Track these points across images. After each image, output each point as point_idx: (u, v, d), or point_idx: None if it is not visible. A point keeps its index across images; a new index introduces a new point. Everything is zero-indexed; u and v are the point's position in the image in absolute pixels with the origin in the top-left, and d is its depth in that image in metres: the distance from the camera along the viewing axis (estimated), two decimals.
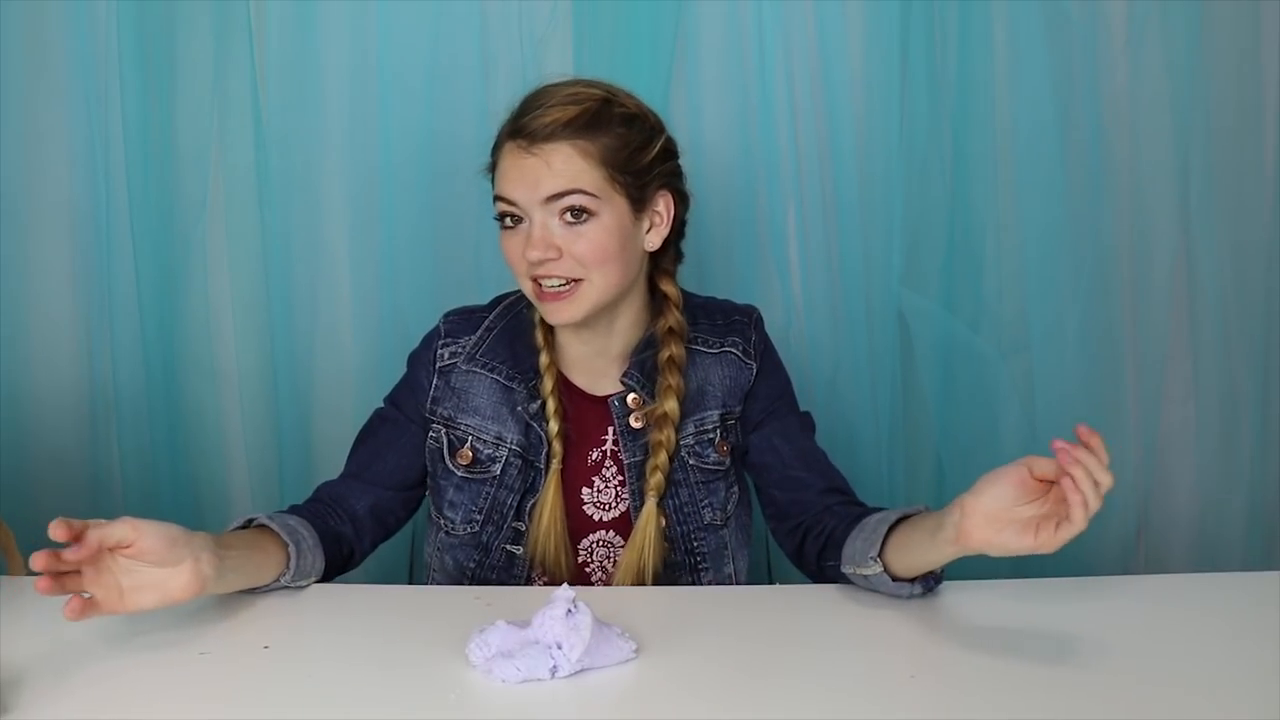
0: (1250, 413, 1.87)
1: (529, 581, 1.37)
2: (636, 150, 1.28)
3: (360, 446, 1.40)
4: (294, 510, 1.34)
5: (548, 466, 1.33)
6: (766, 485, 1.41)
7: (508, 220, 1.28)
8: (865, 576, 1.20)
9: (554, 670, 1.03)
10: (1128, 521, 1.89)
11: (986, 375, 1.85)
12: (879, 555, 1.18)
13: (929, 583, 1.20)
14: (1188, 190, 1.82)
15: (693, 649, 1.10)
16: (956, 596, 1.25)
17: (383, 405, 1.42)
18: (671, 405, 1.33)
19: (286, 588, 1.23)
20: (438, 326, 1.40)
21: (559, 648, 1.03)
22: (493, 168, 1.32)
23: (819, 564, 1.31)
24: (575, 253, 1.25)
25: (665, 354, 1.34)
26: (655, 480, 1.33)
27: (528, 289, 1.29)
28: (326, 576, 1.30)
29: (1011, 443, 1.86)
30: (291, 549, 1.22)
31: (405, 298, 1.79)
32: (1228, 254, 1.84)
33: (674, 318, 1.36)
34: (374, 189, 1.80)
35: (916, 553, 1.16)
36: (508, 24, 1.78)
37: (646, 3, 1.76)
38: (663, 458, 1.33)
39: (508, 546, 1.35)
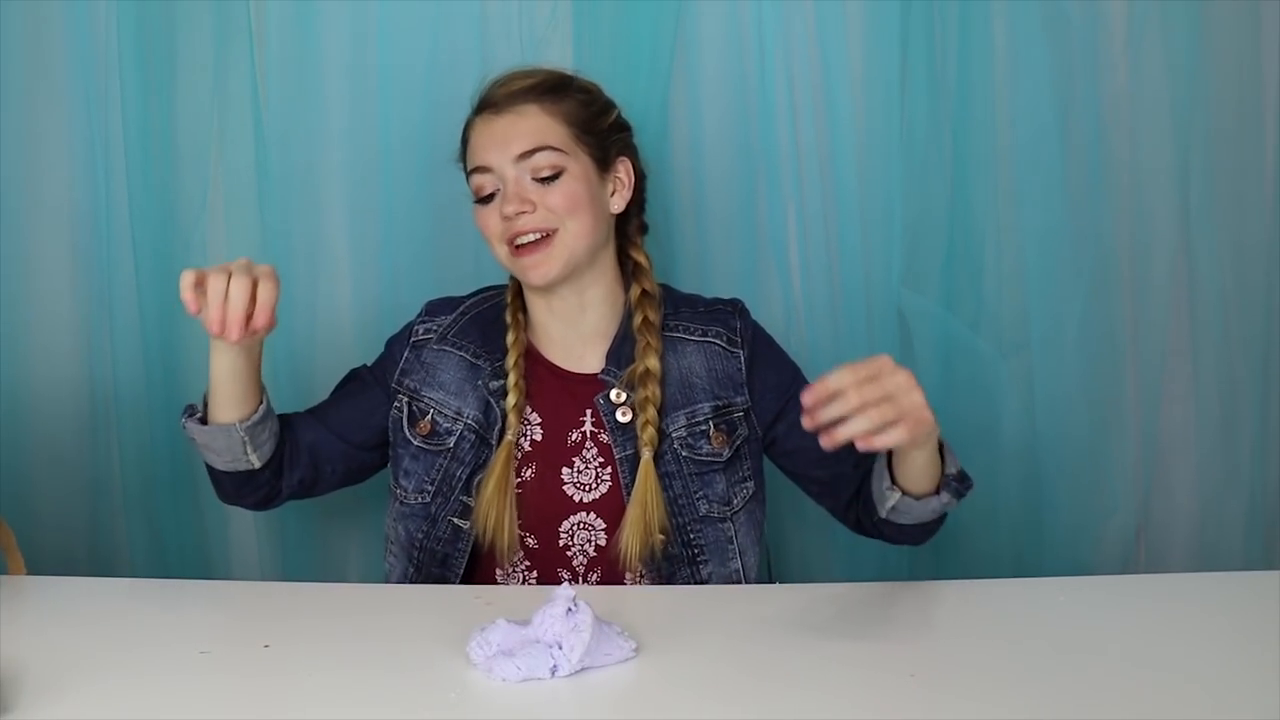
0: (1250, 413, 1.87)
1: (473, 555, 1.38)
2: (596, 115, 1.40)
3: (330, 395, 1.49)
4: None
5: (500, 439, 1.36)
6: (807, 467, 1.43)
7: (483, 194, 1.36)
8: (896, 509, 1.26)
9: (554, 669, 1.03)
10: (1128, 521, 1.89)
11: (986, 375, 1.84)
12: (893, 483, 1.24)
13: (952, 487, 1.24)
14: (1188, 190, 1.82)
15: (693, 648, 1.10)
16: (956, 596, 1.25)
17: (359, 366, 1.50)
18: (652, 362, 1.37)
19: (245, 457, 1.35)
20: (419, 311, 1.49)
21: (559, 647, 1.03)
22: (462, 154, 1.42)
23: (874, 526, 1.37)
24: (549, 204, 1.33)
25: (639, 319, 1.39)
26: (648, 435, 1.35)
27: (503, 254, 1.37)
28: (259, 491, 1.42)
29: (1011, 442, 1.86)
30: (266, 402, 1.35)
31: (405, 297, 1.78)
32: (1228, 254, 1.83)
33: (647, 282, 1.41)
34: (374, 189, 1.80)
35: (910, 468, 1.23)
36: (508, 24, 1.78)
37: (646, 3, 1.75)
38: (651, 412, 1.36)
39: (454, 519, 1.37)
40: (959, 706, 0.99)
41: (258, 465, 1.37)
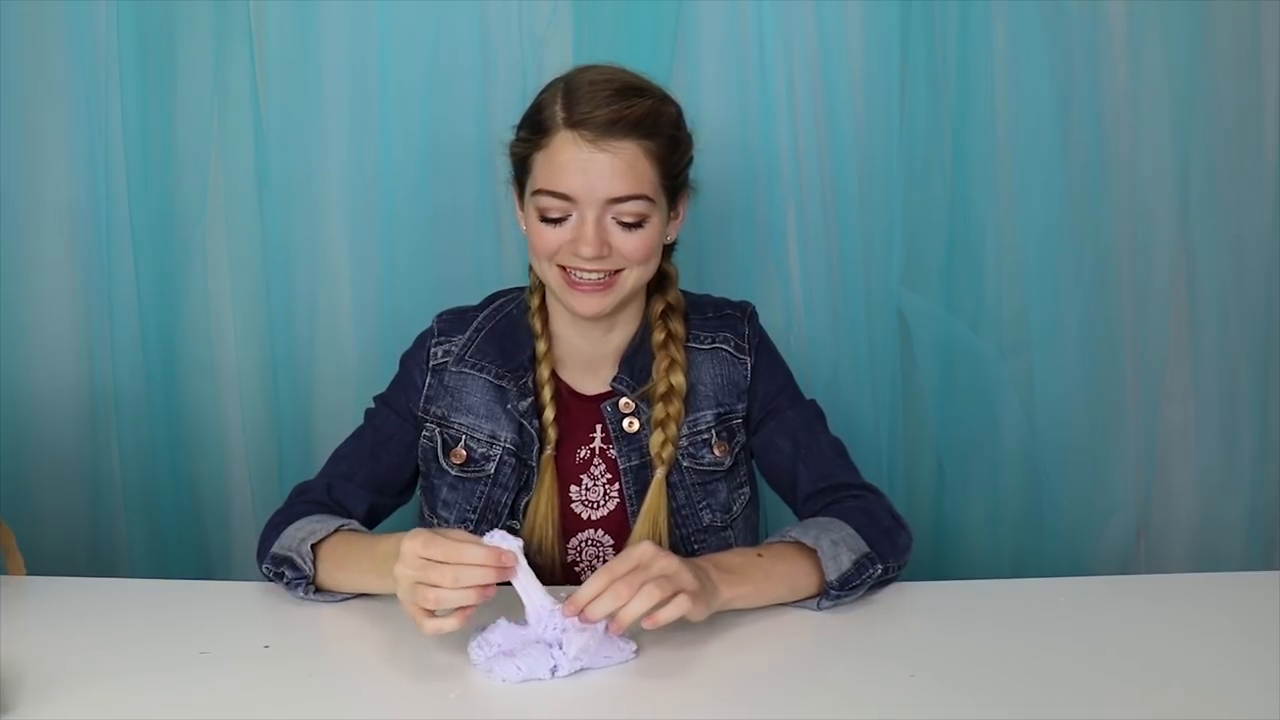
0: (1250, 413, 1.87)
1: None
2: (681, 153, 1.31)
3: (351, 449, 1.39)
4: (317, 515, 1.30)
5: (540, 460, 1.34)
6: (776, 487, 1.41)
7: (552, 214, 1.26)
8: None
9: (554, 669, 1.03)
10: (1128, 521, 1.89)
11: (986, 375, 1.85)
12: None
13: (832, 595, 1.18)
14: (1188, 190, 1.82)
15: (692, 649, 1.10)
16: (956, 596, 1.25)
17: (373, 405, 1.42)
18: (678, 379, 1.33)
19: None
20: (431, 326, 1.40)
21: (559, 647, 1.03)
22: (529, 151, 1.28)
23: None
24: (625, 251, 1.26)
25: (661, 335, 1.35)
26: (667, 453, 1.32)
27: (553, 276, 1.29)
28: None
29: (1011, 443, 1.86)
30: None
31: (405, 298, 1.79)
32: (1228, 254, 1.84)
33: (672, 294, 1.37)
34: (374, 189, 1.80)
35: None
36: (508, 24, 1.78)
37: (646, 2, 1.76)
38: (673, 430, 1.32)
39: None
40: (959, 706, 0.99)
41: None
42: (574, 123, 1.24)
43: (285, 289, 1.83)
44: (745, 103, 1.79)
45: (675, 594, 1.05)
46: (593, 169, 1.23)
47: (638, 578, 1.04)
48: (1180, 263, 1.85)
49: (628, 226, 1.25)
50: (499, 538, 1.05)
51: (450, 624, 1.04)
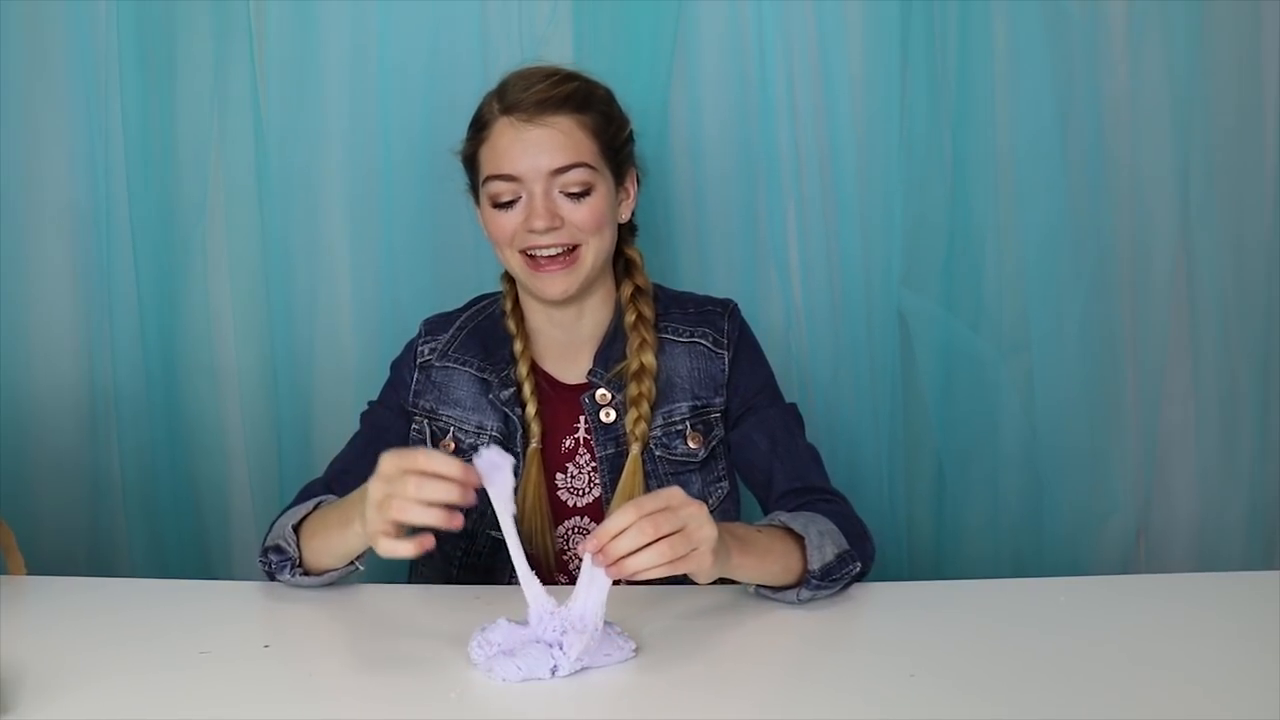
0: (1250, 413, 1.87)
1: (514, 569, 1.37)
2: (617, 128, 1.38)
3: (348, 449, 1.43)
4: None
5: (525, 448, 1.36)
6: (749, 484, 1.43)
7: (503, 201, 1.33)
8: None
9: (554, 669, 1.03)
10: (1128, 521, 1.89)
11: (986, 375, 1.84)
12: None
13: (812, 584, 1.18)
14: (1188, 190, 1.82)
15: (693, 649, 1.10)
16: (956, 596, 1.25)
17: (368, 407, 1.46)
18: (648, 358, 1.37)
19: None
20: (418, 331, 1.46)
21: (559, 647, 1.03)
22: (474, 149, 1.37)
23: None
24: (576, 221, 1.32)
25: (632, 316, 1.39)
26: (640, 430, 1.35)
27: (516, 263, 1.35)
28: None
29: (1011, 443, 1.86)
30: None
31: (405, 297, 1.79)
32: (1228, 254, 1.84)
33: (640, 278, 1.41)
34: (374, 189, 1.80)
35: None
36: (508, 24, 1.78)
37: (646, 3, 1.76)
38: (645, 408, 1.36)
39: (492, 533, 1.36)
40: (959, 706, 0.99)
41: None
42: (507, 108, 1.33)
43: (285, 289, 1.83)
44: (745, 103, 1.79)
45: (690, 551, 1.04)
46: (531, 145, 1.31)
47: (665, 519, 1.03)
48: (1180, 263, 1.85)
49: (575, 197, 1.32)
50: (494, 451, 1.05)
51: (405, 547, 1.03)
